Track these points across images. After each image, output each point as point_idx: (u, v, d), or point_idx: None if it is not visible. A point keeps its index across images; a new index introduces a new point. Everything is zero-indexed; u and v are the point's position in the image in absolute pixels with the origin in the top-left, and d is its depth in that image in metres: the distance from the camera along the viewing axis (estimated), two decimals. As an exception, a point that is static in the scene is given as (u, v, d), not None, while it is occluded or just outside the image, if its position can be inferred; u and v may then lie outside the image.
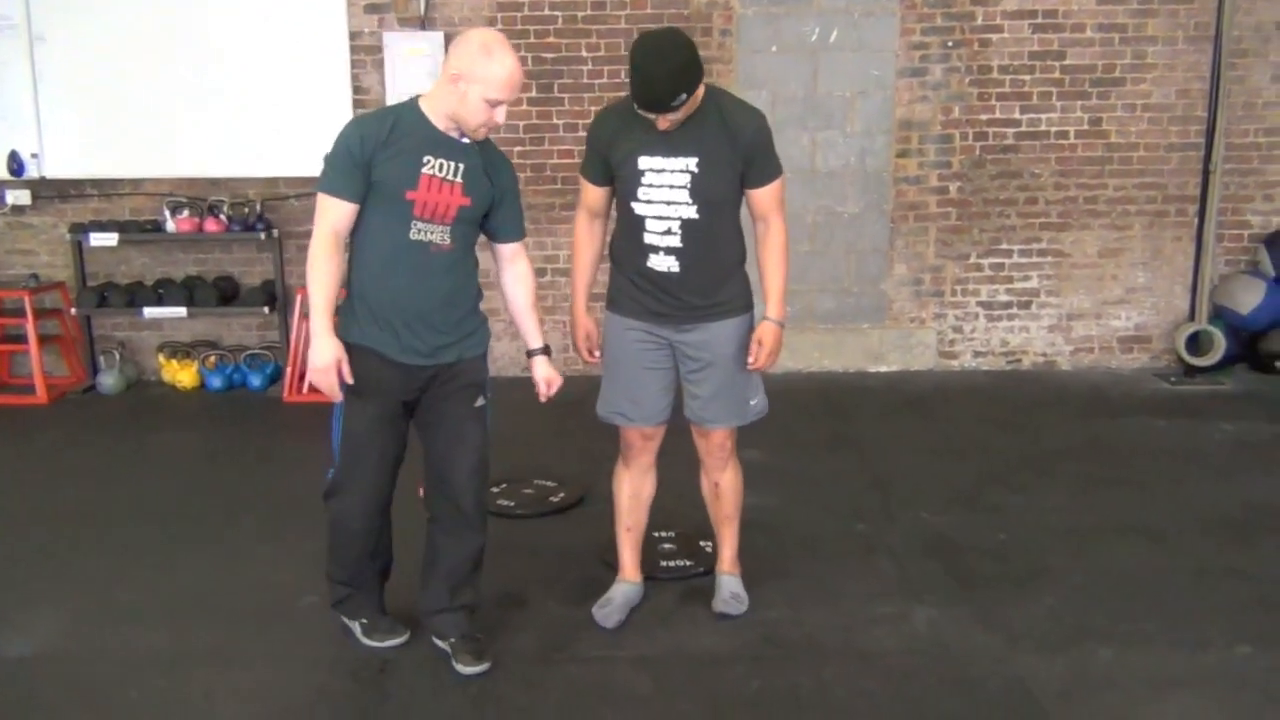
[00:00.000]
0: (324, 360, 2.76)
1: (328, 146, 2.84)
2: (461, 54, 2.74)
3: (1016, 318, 6.50)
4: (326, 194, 2.79)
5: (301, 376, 6.02)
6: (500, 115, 2.78)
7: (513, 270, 3.10)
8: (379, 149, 2.74)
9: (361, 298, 2.85)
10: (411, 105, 2.85)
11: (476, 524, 3.07)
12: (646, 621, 3.31)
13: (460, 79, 2.73)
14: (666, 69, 2.79)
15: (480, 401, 3.03)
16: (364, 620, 3.14)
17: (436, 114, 2.81)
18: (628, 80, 2.88)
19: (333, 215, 2.78)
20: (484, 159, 2.90)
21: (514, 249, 3.09)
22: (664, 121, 2.89)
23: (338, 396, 2.83)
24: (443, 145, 2.81)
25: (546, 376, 3.12)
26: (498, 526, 4.08)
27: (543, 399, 3.15)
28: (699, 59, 2.86)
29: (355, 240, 2.85)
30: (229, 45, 6.06)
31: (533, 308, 3.14)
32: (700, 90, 2.90)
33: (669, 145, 2.95)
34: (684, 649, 3.16)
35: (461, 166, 2.83)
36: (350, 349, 2.81)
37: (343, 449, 2.92)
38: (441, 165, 2.80)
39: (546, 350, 3.15)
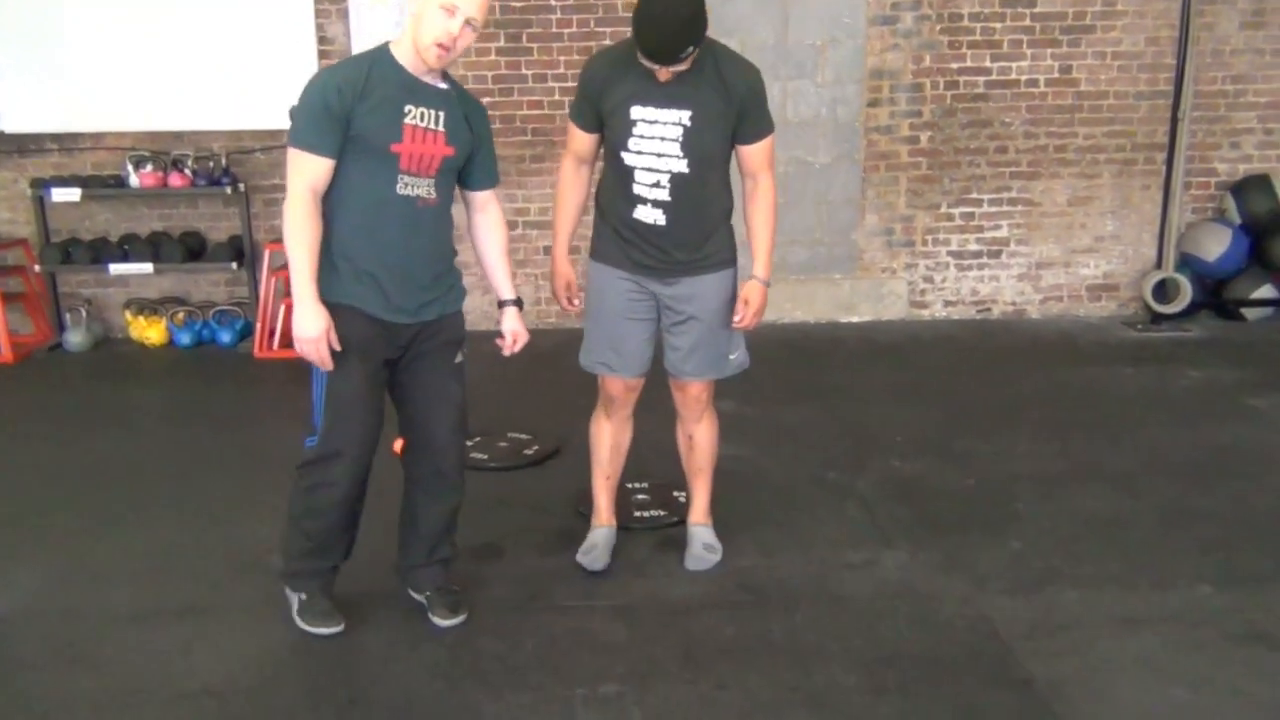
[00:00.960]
0: (312, 331, 2.65)
1: (294, 98, 2.73)
2: None
3: (986, 267, 6.54)
4: (302, 150, 2.63)
5: (271, 333, 5.98)
6: (455, 26, 2.62)
7: (485, 218, 3.03)
8: (357, 100, 2.62)
9: (345, 256, 2.71)
10: (383, 52, 2.73)
11: (457, 482, 3.05)
12: (621, 571, 3.34)
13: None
14: (678, 20, 2.74)
15: (459, 358, 2.99)
16: (303, 596, 2.98)
17: (407, 57, 2.71)
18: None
19: (310, 172, 2.64)
20: (462, 106, 2.82)
21: (487, 196, 3.01)
22: (665, 73, 2.84)
23: (329, 366, 2.71)
24: (421, 92, 2.71)
25: (514, 330, 3.06)
26: (472, 480, 4.06)
27: (505, 353, 3.08)
28: (705, 10, 2.80)
29: (333, 196, 2.69)
30: (189, -5, 5.95)
31: (505, 256, 3.07)
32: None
33: (663, 96, 2.91)
34: (659, 597, 3.20)
35: (442, 115, 2.74)
36: (335, 309, 2.70)
37: (328, 413, 2.78)
38: (423, 114, 2.70)
39: (518, 303, 3.09)
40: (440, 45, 2.64)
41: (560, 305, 3.24)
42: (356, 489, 2.90)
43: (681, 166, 2.96)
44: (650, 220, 3.02)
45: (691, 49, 2.78)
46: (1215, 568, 3.30)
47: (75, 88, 6.05)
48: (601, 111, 3.01)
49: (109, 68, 6.00)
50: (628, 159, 3.00)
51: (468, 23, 2.65)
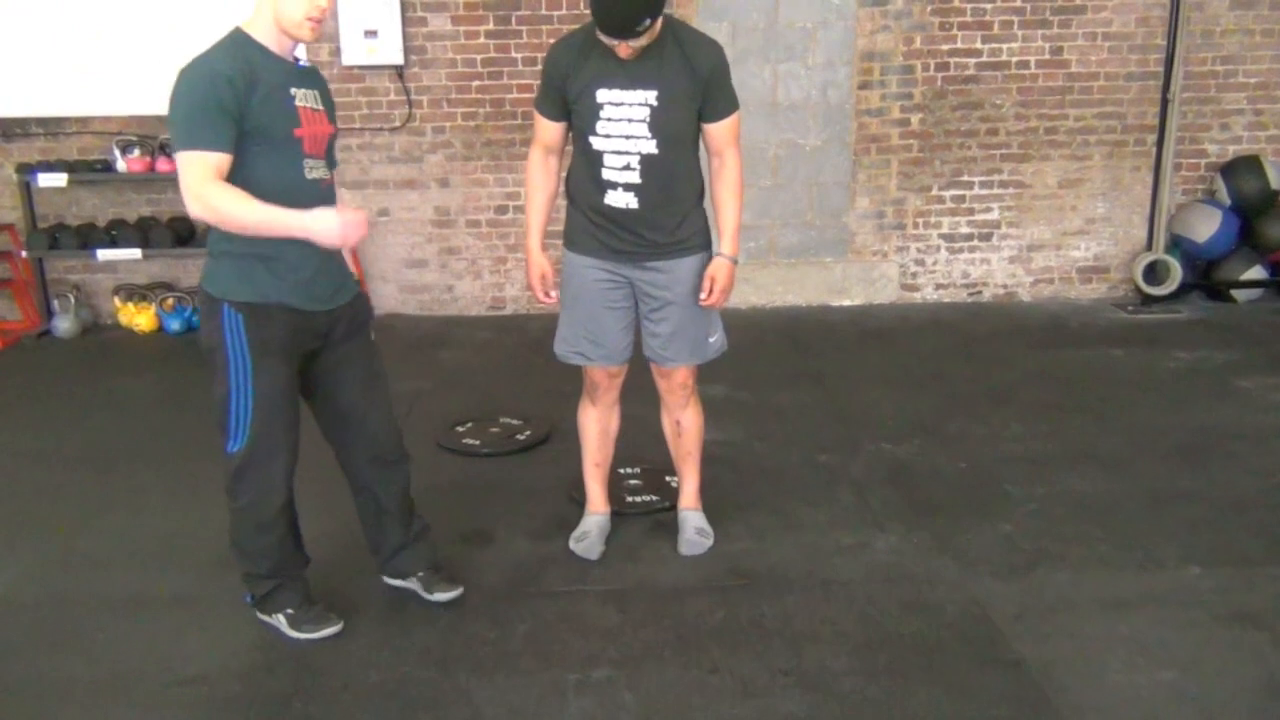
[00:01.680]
0: (332, 225, 2.54)
1: None
2: None
3: (977, 250, 6.54)
4: (203, 150, 2.47)
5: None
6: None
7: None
8: (249, 91, 2.51)
9: (260, 255, 2.62)
10: (245, 38, 2.60)
11: (402, 456, 3.03)
12: (614, 556, 3.35)
13: None
14: None
15: (373, 335, 2.97)
16: (289, 611, 2.90)
17: (270, 37, 2.61)
18: (588, 9, 2.82)
19: (208, 168, 2.48)
20: (324, 83, 2.81)
21: (333, 175, 2.90)
22: (625, 48, 2.82)
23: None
24: (296, 74, 2.67)
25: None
26: (464, 465, 4.11)
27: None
28: None
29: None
30: (175, -22, 5.90)
31: None
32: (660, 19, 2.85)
33: (628, 77, 2.90)
34: (650, 582, 3.20)
35: (317, 93, 2.72)
36: (257, 308, 2.64)
37: (257, 415, 2.69)
38: (305, 95, 2.66)
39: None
40: (312, 19, 2.60)
41: (536, 297, 3.22)
42: (290, 491, 2.84)
43: (650, 147, 2.94)
44: (622, 205, 3.00)
45: (648, 21, 2.75)
46: (1204, 549, 3.32)
47: (60, 72, 6.01)
48: (567, 97, 2.99)
49: (94, 52, 5.96)
50: (596, 143, 2.98)
51: None
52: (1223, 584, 3.11)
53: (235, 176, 2.55)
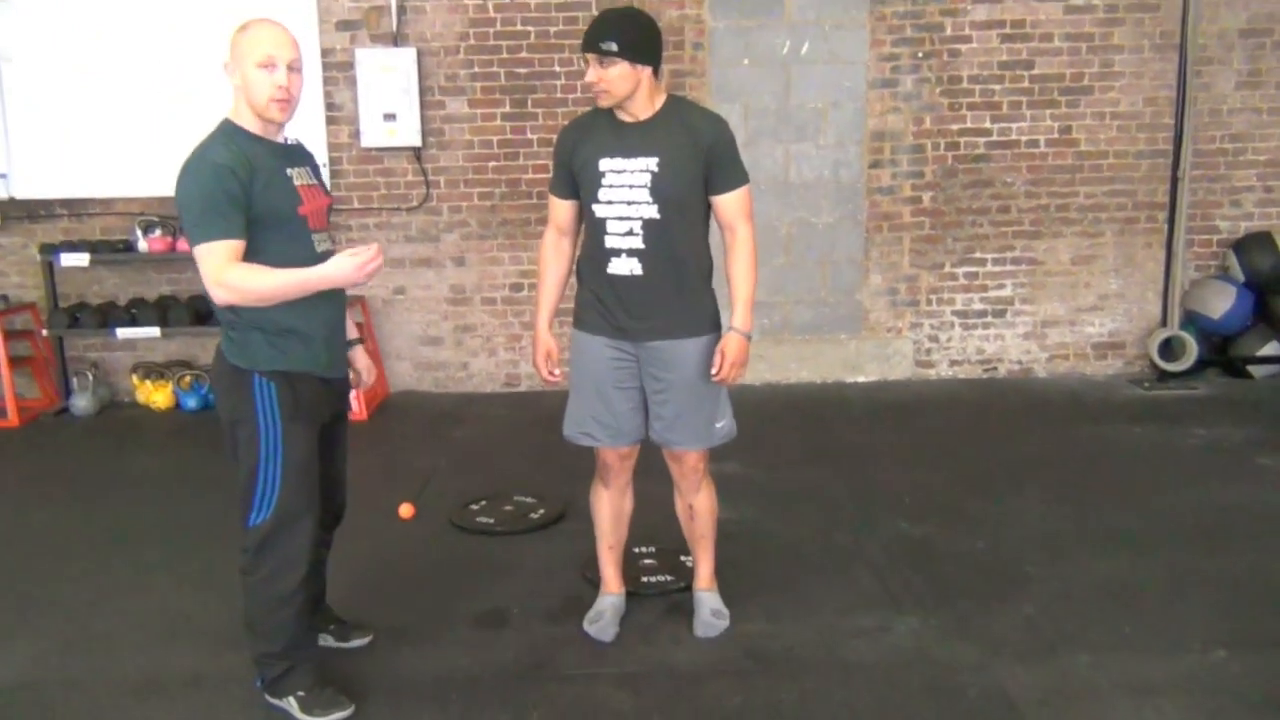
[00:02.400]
0: (347, 270, 2.64)
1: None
2: (228, 51, 2.69)
3: (992, 326, 6.55)
4: (218, 240, 2.56)
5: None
6: (282, 77, 2.64)
7: None
8: (251, 179, 2.61)
9: (285, 328, 2.71)
10: (234, 129, 2.71)
11: (340, 518, 3.15)
12: (628, 638, 3.30)
13: (229, 67, 2.68)
14: (613, 15, 2.96)
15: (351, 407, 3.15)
16: (301, 693, 2.86)
17: (254, 124, 2.71)
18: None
19: (225, 255, 2.58)
20: (311, 157, 2.92)
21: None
22: (592, 73, 2.92)
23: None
24: (286, 154, 2.78)
25: (367, 364, 3.15)
26: (477, 544, 4.09)
27: (361, 388, 3.19)
28: (652, 37, 2.95)
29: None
30: (199, 63, 6.02)
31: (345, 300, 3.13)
32: (643, 75, 2.92)
33: (630, 147, 2.97)
34: (666, 665, 3.15)
35: (308, 169, 2.85)
36: (286, 376, 2.72)
37: (286, 483, 2.73)
38: (299, 173, 2.78)
39: (361, 340, 3.20)
40: (277, 100, 2.66)
41: (540, 376, 3.23)
42: (315, 556, 2.88)
43: (652, 212, 2.97)
44: (626, 271, 3.02)
45: (614, 45, 2.86)
46: (1230, 632, 3.25)
47: (85, 154, 6.14)
48: (574, 171, 3.06)
49: (118, 134, 6.09)
50: (599, 210, 3.02)
51: (289, 67, 2.67)
52: (1251, 668, 3.04)
53: (254, 258, 2.64)
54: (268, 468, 2.73)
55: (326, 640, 3.19)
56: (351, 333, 3.11)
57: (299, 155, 2.84)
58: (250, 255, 2.62)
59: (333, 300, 2.82)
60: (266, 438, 2.72)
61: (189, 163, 2.63)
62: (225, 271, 2.57)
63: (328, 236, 2.85)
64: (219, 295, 2.61)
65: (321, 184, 2.89)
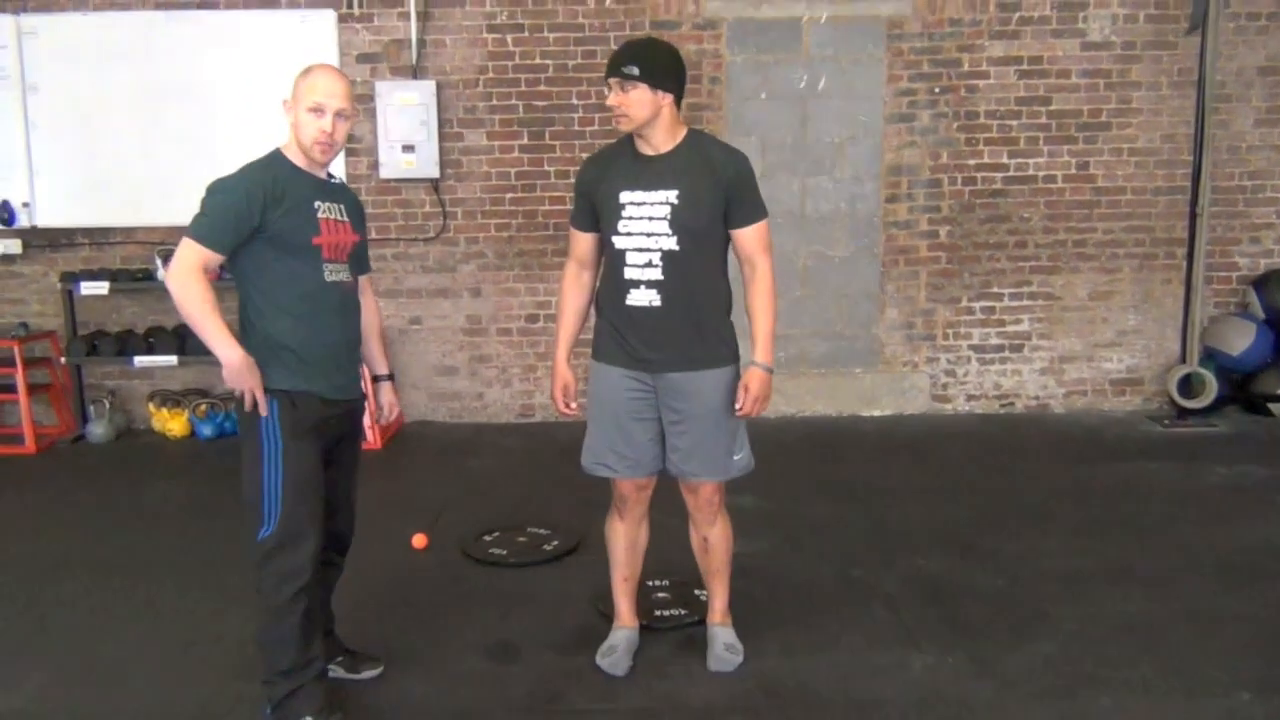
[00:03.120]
0: (237, 364, 2.77)
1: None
2: (291, 87, 2.89)
3: (1009, 361, 6.51)
4: (203, 242, 2.75)
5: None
6: (327, 123, 2.84)
7: (364, 299, 3.18)
8: (271, 205, 2.78)
9: (287, 347, 2.85)
10: (280, 157, 2.91)
11: (347, 548, 3.20)
12: (642, 672, 3.27)
13: (288, 105, 2.88)
14: (638, 42, 3.06)
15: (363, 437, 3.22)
16: (308, 718, 2.86)
17: (301, 159, 2.90)
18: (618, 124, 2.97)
19: (200, 260, 2.76)
20: (351, 197, 3.08)
21: (365, 281, 3.20)
22: (613, 97, 2.95)
23: (260, 403, 2.79)
24: (323, 190, 2.93)
25: (390, 402, 3.30)
26: (490, 576, 4.06)
27: (382, 422, 3.33)
28: (674, 65, 2.99)
29: (261, 289, 2.86)
30: (220, 94, 6.10)
31: (379, 335, 3.31)
32: (664, 103, 2.95)
33: (650, 179, 2.99)
34: (679, 700, 3.12)
35: (342, 206, 2.98)
36: (290, 395, 2.83)
37: (289, 494, 2.81)
38: (329, 208, 2.92)
39: (391, 377, 3.34)
40: (320, 143, 2.86)
41: (557, 409, 3.24)
42: (317, 571, 2.90)
43: (671, 244, 2.98)
44: (645, 303, 3.02)
45: (636, 70, 2.90)
46: (1254, 674, 3.19)
47: (107, 184, 6.20)
48: (594, 204, 3.08)
49: (140, 165, 6.15)
50: (619, 242, 3.03)
51: (338, 114, 2.87)
52: (1275, 711, 2.98)
53: (263, 277, 2.84)
54: (270, 481, 2.83)
55: (336, 671, 3.17)
56: (380, 368, 3.29)
57: (336, 192, 2.99)
58: (261, 267, 2.83)
59: (333, 325, 2.93)
60: (269, 452, 2.82)
61: (224, 176, 2.84)
62: (189, 274, 2.74)
63: (347, 269, 2.98)
64: (171, 283, 2.77)
65: (353, 222, 3.02)
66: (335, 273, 2.93)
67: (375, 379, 3.29)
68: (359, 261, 3.10)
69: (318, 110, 2.84)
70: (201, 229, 2.77)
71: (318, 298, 2.88)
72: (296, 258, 2.84)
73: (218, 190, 2.80)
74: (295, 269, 2.84)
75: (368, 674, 3.22)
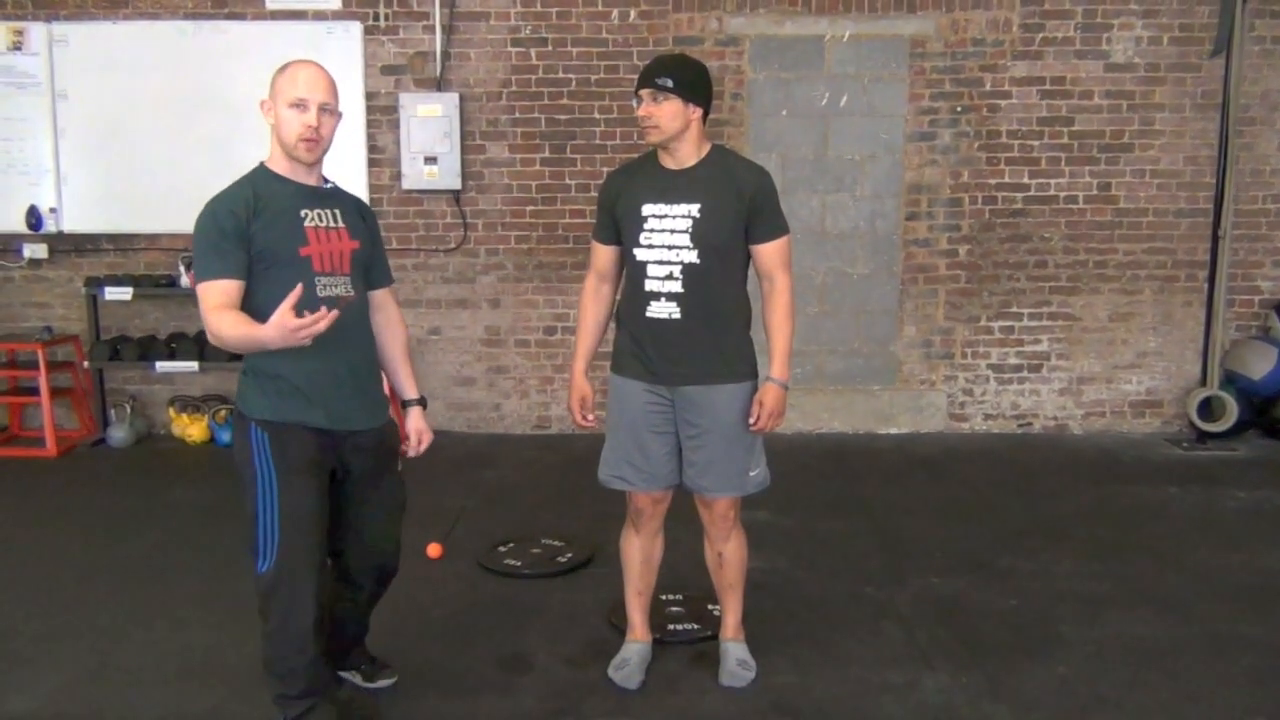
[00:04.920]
0: (273, 336, 2.49)
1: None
2: (267, 90, 2.74)
3: (1027, 381, 6.49)
4: (211, 279, 2.60)
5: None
6: (311, 117, 2.67)
7: (385, 315, 3.01)
8: (251, 219, 2.64)
9: (275, 374, 2.69)
10: (261, 169, 2.78)
11: (396, 569, 3.10)
12: (653, 686, 3.26)
13: (265, 105, 2.74)
14: (671, 56, 3.13)
15: (399, 465, 3.01)
16: None
17: (284, 166, 2.76)
18: (639, 139, 2.99)
19: (215, 299, 2.59)
20: (354, 203, 2.90)
21: (384, 294, 3.01)
22: (644, 108, 2.98)
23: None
24: (311, 196, 2.76)
25: (419, 429, 3.05)
26: (504, 587, 4.07)
27: (410, 454, 3.06)
28: (705, 80, 3.05)
29: (249, 310, 2.63)
30: (246, 104, 6.13)
31: (406, 355, 3.08)
32: (694, 117, 2.99)
33: (672, 193, 3.01)
34: (691, 715, 3.11)
35: (337, 212, 2.80)
36: (279, 427, 2.69)
37: (285, 531, 2.69)
38: (320, 215, 2.75)
39: (422, 402, 3.09)
40: (306, 140, 2.69)
41: (574, 420, 3.23)
42: (320, 601, 2.79)
43: (692, 257, 2.99)
44: (664, 314, 3.03)
45: (670, 83, 2.95)
46: (1272, 700, 3.17)
47: (133, 191, 6.26)
48: (617, 217, 3.10)
49: (166, 172, 6.20)
50: (640, 254, 3.05)
51: (323, 109, 2.70)
52: (1292, 739, 2.96)
53: (249, 299, 2.64)
54: (266, 517, 2.71)
55: (354, 677, 3.18)
56: (408, 391, 3.06)
57: (328, 198, 2.81)
58: (250, 290, 2.65)
59: (329, 347, 2.66)
60: (263, 487, 2.70)
61: (206, 205, 2.70)
62: (212, 313, 2.59)
63: (346, 282, 2.78)
64: (210, 336, 2.63)
65: (351, 228, 2.82)
66: (330, 287, 2.72)
67: (403, 404, 3.06)
68: (368, 272, 2.90)
69: (300, 105, 2.66)
70: (200, 267, 2.64)
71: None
72: (283, 272, 2.64)
73: (199, 222, 2.67)
74: (283, 286, 2.57)
75: (383, 683, 3.21)
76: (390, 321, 3.02)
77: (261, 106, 2.75)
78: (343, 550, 2.97)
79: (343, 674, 3.19)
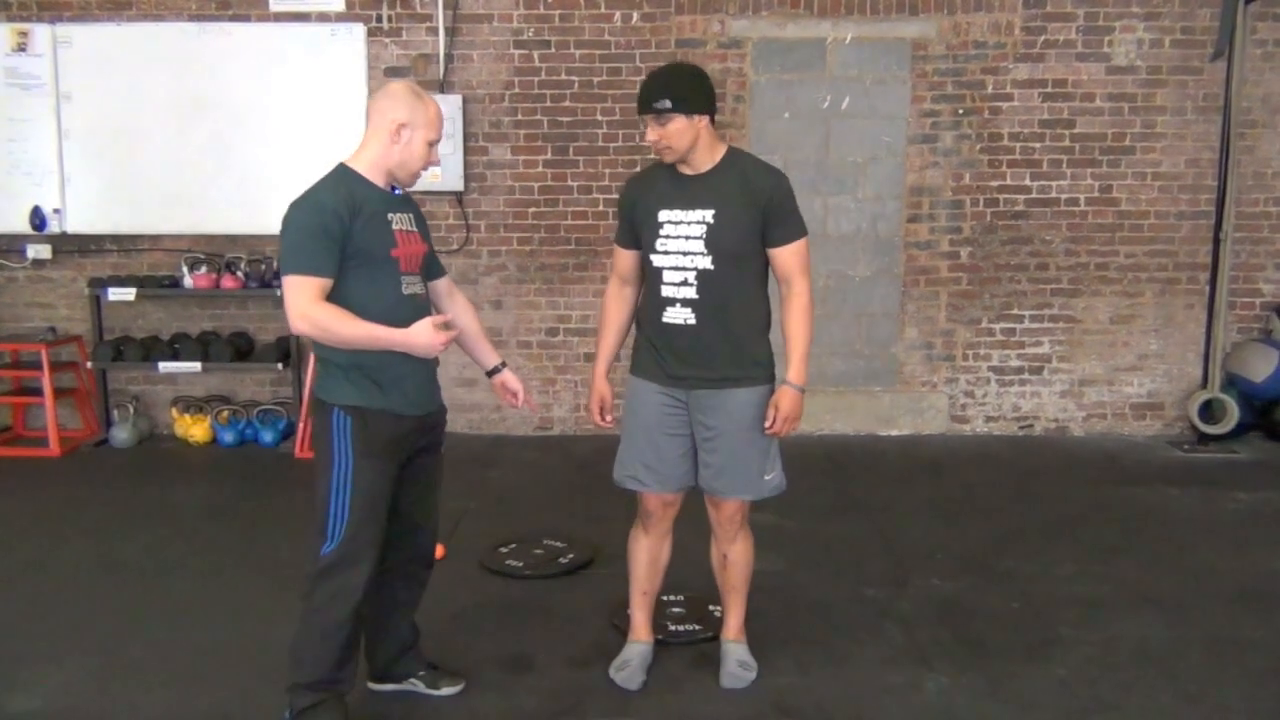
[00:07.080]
0: (421, 341, 2.77)
1: None
2: (399, 104, 2.84)
3: (1028, 383, 6.50)
4: (308, 275, 2.69)
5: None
6: (435, 156, 2.92)
7: (456, 301, 3.20)
8: (353, 219, 2.74)
9: (363, 365, 2.80)
10: (350, 172, 2.86)
11: (433, 563, 3.20)
12: (655, 687, 3.27)
13: (404, 127, 2.84)
14: (662, 73, 3.04)
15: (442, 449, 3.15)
16: None
17: (375, 173, 2.87)
18: (642, 141, 2.98)
19: (310, 293, 2.70)
20: (415, 207, 3.04)
21: (447, 282, 3.19)
22: (651, 132, 2.97)
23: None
24: (393, 202, 2.91)
25: (515, 386, 3.25)
26: (505, 587, 4.08)
27: (520, 404, 3.26)
28: (702, 86, 3.01)
29: (339, 305, 2.75)
30: (249, 106, 6.18)
31: (482, 329, 3.28)
32: (701, 125, 2.98)
33: (688, 199, 3.02)
34: (692, 716, 3.12)
35: (411, 216, 2.96)
36: (366, 413, 2.80)
37: (355, 512, 2.79)
38: (400, 219, 2.90)
39: (504, 365, 3.28)
40: (421, 174, 2.93)
41: (593, 421, 3.27)
42: (368, 595, 2.87)
43: (706, 263, 3.00)
44: (680, 320, 3.05)
45: (668, 104, 2.92)
46: (1271, 700, 3.18)
47: (137, 192, 6.27)
48: (634, 222, 3.12)
49: (170, 174, 6.23)
50: (656, 260, 3.07)
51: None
52: (1292, 741, 2.97)
53: (339, 294, 2.75)
54: (338, 497, 2.81)
55: (416, 685, 3.17)
56: (494, 360, 3.25)
57: (404, 204, 2.97)
58: (340, 286, 2.75)
59: None
60: (339, 468, 2.80)
61: (299, 199, 2.79)
62: (311, 307, 2.69)
63: (420, 281, 2.96)
64: (298, 326, 2.72)
65: (421, 232, 3.00)
66: (411, 285, 2.90)
67: (493, 371, 3.24)
68: (429, 270, 3.07)
69: (434, 145, 2.90)
70: (296, 261, 2.71)
71: (396, 312, 2.79)
72: (375, 272, 2.80)
73: (296, 216, 2.75)
74: (373, 283, 2.78)
75: (447, 691, 3.20)
76: (463, 305, 3.21)
77: (396, 131, 2.83)
78: (397, 536, 3.01)
79: (392, 687, 3.17)
